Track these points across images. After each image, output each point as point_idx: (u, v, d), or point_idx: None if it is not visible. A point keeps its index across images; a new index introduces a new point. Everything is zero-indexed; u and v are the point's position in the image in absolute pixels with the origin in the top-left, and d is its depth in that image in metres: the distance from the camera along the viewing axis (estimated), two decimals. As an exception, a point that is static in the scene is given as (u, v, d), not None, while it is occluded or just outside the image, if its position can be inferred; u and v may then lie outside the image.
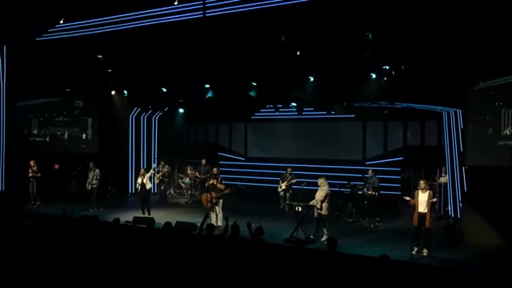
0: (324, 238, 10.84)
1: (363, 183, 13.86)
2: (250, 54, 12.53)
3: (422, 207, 9.85)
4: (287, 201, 14.77)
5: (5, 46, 15.42)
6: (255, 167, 18.64)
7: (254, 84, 13.86)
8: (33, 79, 15.37)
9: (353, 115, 16.45)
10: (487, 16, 9.94)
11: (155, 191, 17.32)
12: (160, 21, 12.90)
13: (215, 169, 12.96)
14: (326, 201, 11.07)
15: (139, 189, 14.14)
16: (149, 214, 13.52)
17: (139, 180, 14.08)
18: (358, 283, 6.93)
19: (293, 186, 15.26)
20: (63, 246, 7.87)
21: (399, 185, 15.83)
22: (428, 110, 14.27)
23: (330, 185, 11.64)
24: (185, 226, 10.67)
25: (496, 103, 11.04)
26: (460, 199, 12.12)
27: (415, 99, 13.05)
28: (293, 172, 15.69)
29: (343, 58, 11.72)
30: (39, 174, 15.10)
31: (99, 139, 17.90)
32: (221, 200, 12.38)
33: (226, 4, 12.10)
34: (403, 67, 11.70)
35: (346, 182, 14.20)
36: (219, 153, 19.72)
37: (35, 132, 16.77)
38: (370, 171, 14.15)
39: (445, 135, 13.61)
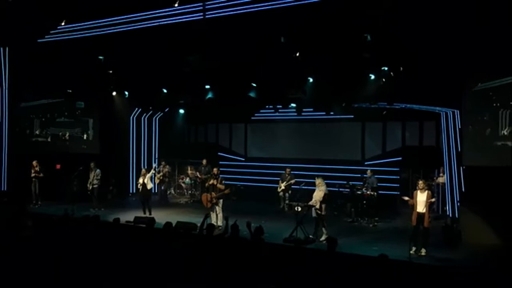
0: (323, 237, 10.90)
1: (362, 183, 13.93)
2: (250, 56, 12.59)
3: (421, 207, 9.88)
4: (287, 201, 14.86)
5: (7, 48, 15.51)
6: (255, 167, 18.72)
7: (254, 85, 13.94)
8: (35, 80, 15.44)
9: (352, 116, 16.53)
10: (484, 17, 9.97)
11: (156, 191, 17.42)
12: (160, 23, 12.96)
13: (215, 169, 13.02)
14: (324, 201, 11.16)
15: (140, 189, 14.24)
16: (150, 214, 13.61)
17: (141, 180, 14.19)
18: (356, 283, 6.96)
19: (292, 186, 15.34)
20: (65, 246, 7.93)
21: (398, 185, 15.91)
22: (426, 111, 14.34)
23: (330, 185, 11.73)
24: (185, 226, 10.68)
25: (494, 104, 11.07)
26: (458, 199, 12.18)
27: (413, 100, 13.12)
28: (292, 172, 15.77)
29: (342, 60, 11.80)
30: (41, 174, 15.19)
31: (100, 140, 17.99)
32: (221, 200, 12.44)
33: (226, 6, 12.16)
34: (401, 68, 11.74)
35: (345, 182, 14.25)
36: (219, 153, 19.79)
37: (37, 132, 16.85)
38: (369, 171, 14.21)
39: (443, 135, 13.71)
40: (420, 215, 9.89)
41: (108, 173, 16.32)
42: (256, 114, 18.82)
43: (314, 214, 11.18)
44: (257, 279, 7.01)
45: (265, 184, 17.70)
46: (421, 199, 9.95)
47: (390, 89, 12.28)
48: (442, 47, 10.68)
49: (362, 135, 17.26)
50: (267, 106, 17.45)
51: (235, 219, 8.64)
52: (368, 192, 13.45)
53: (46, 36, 14.74)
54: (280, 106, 16.39)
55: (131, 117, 18.95)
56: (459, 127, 12.08)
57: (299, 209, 11.10)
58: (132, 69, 14.60)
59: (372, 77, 12.35)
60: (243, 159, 19.58)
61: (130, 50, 13.78)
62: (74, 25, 14.15)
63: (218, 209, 12.38)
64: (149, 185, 14.34)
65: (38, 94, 16.53)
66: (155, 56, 13.52)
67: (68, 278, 6.99)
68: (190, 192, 18.08)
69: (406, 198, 10.52)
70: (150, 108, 18.84)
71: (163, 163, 17.27)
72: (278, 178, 16.07)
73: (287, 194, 15.51)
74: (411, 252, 9.55)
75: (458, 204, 12.16)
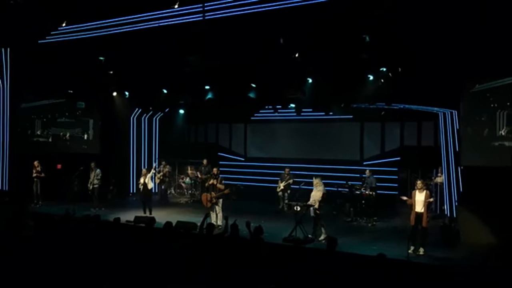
0: (322, 237, 10.96)
1: (360, 183, 13.97)
2: (249, 56, 12.66)
3: (419, 207, 9.93)
4: (286, 201, 14.92)
5: (8, 49, 15.57)
6: (255, 167, 18.80)
7: (254, 85, 14.01)
8: (36, 81, 15.49)
9: (351, 116, 16.60)
10: (483, 18, 10.02)
11: (156, 190, 17.48)
12: (160, 24, 13.02)
13: (215, 169, 13.08)
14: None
15: (141, 189, 14.30)
16: (150, 213, 13.68)
17: (141, 180, 14.25)
18: (355, 282, 6.98)
19: (292, 186, 15.40)
20: (66, 245, 7.97)
21: (396, 185, 15.99)
22: (424, 111, 14.40)
23: (329, 185, 11.79)
24: (185, 225, 10.74)
25: (492, 105, 11.17)
26: (456, 199, 12.26)
27: (411, 100, 13.18)
28: (292, 172, 15.83)
29: (341, 60, 11.86)
30: (43, 175, 15.25)
31: (101, 140, 18.08)
32: (221, 200, 12.51)
33: (226, 7, 12.22)
34: (400, 69, 11.80)
35: (344, 182, 14.32)
36: (219, 153, 19.87)
37: (38, 132, 16.91)
38: (367, 171, 14.24)
39: (441, 135, 13.78)
40: (419, 215, 9.94)
41: (108, 173, 16.38)
42: (255, 114, 18.90)
43: (312, 214, 11.23)
44: (256, 279, 7.04)
45: (265, 184, 17.78)
46: (420, 198, 9.99)
47: (388, 90, 12.35)
48: (440, 48, 10.74)
49: (361, 135, 17.34)
50: (266, 107, 17.53)
51: (235, 219, 8.68)
52: (367, 192, 13.49)
53: (47, 37, 14.79)
54: (280, 106, 16.47)
55: (132, 117, 19.03)
56: (457, 127, 12.16)
57: (298, 208, 11.13)
58: (132, 70, 14.68)
59: (371, 77, 12.41)
60: (243, 159, 19.65)
61: (130, 51, 13.85)
62: (74, 26, 14.20)
63: (218, 208, 12.44)
64: (150, 185, 14.42)
65: (39, 94, 16.60)
66: (155, 56, 13.58)
67: (69, 277, 7.02)
68: (190, 192, 18.15)
69: (405, 198, 10.52)
70: (150, 108, 18.92)
71: (163, 163, 17.33)
72: (278, 178, 16.13)
73: (286, 194, 15.57)
74: (409, 251, 9.61)
75: (456, 203, 12.23)
